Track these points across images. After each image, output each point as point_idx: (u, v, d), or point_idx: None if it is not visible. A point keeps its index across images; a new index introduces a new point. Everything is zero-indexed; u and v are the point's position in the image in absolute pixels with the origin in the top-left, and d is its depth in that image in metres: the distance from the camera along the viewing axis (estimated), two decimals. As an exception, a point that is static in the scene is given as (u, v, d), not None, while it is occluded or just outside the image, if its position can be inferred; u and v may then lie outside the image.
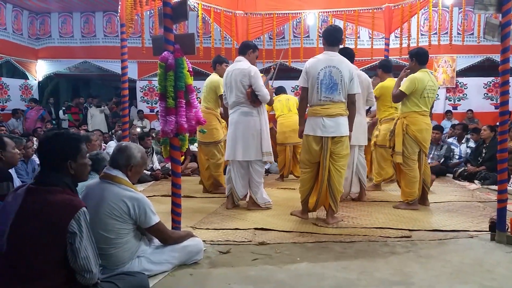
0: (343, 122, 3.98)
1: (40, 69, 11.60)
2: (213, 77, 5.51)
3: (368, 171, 6.53)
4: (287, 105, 6.60)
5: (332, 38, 4.07)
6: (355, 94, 4.05)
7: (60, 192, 2.07)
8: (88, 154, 3.36)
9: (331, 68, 3.93)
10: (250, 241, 3.51)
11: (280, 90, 6.98)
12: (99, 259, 2.13)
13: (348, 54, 4.53)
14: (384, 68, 5.75)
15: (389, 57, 7.76)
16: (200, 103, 5.24)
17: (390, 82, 5.42)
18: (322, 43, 4.16)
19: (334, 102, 3.95)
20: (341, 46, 4.26)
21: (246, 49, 4.71)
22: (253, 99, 4.49)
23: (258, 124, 4.56)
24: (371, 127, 6.15)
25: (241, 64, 4.60)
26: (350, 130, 4.08)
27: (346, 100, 4.01)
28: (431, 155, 7.24)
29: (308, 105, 4.10)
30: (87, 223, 2.06)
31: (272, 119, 6.80)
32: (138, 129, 8.60)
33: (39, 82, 11.84)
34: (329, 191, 4.01)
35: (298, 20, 8.47)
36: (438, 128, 7.39)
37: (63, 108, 11.80)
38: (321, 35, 4.53)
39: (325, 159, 3.95)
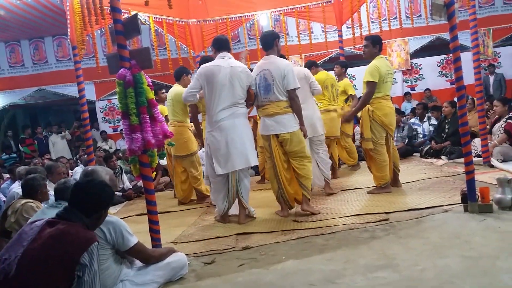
0: (282, 120, 4.08)
1: (-7, 103, 11.14)
2: (178, 88, 5.36)
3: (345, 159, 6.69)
4: None
5: (263, 44, 4.32)
6: (294, 89, 4.10)
7: (77, 226, 2.16)
8: (56, 183, 3.27)
9: (264, 71, 4.14)
10: (233, 247, 3.48)
11: None
12: None
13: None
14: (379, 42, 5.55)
15: (343, 48, 7.95)
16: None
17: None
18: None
19: (272, 102, 4.12)
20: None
21: (229, 44, 4.41)
22: (253, 100, 4.30)
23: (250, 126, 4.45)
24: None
25: (235, 62, 4.23)
26: (302, 124, 4.17)
27: (285, 97, 4.10)
28: (395, 138, 7.43)
29: None
30: (98, 258, 2.15)
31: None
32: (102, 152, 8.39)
33: (-7, 116, 11.39)
34: (299, 183, 4.19)
35: (251, 22, 8.50)
36: (396, 111, 7.58)
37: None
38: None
39: (275, 155, 4.16)
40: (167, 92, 6.02)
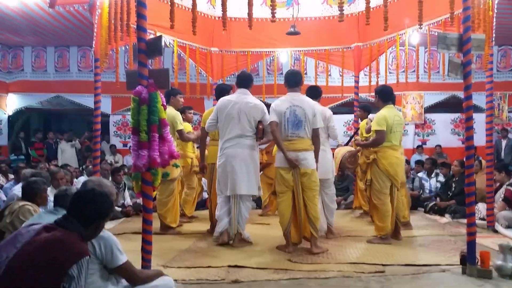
0: (308, 156, 4.28)
1: (11, 103, 11.32)
2: (169, 110, 5.08)
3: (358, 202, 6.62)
4: None
5: (291, 81, 4.45)
6: (318, 128, 4.39)
7: (73, 236, 2.16)
8: (57, 190, 3.28)
9: (295, 107, 4.29)
10: (223, 279, 3.42)
11: None
12: None
13: (316, 92, 5.10)
14: (380, 94, 4.94)
15: (359, 94, 8.02)
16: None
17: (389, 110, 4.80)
18: (284, 85, 4.50)
19: (300, 138, 4.27)
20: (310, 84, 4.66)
21: (250, 82, 4.78)
22: (262, 135, 4.60)
23: (258, 158, 4.75)
24: (355, 156, 5.51)
25: (249, 97, 4.62)
26: (316, 161, 4.36)
27: (311, 136, 4.31)
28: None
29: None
30: (87, 273, 2.13)
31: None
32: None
33: (9, 116, 11.55)
34: (308, 220, 4.22)
35: (271, 58, 8.67)
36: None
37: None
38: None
39: (297, 187, 4.22)
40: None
